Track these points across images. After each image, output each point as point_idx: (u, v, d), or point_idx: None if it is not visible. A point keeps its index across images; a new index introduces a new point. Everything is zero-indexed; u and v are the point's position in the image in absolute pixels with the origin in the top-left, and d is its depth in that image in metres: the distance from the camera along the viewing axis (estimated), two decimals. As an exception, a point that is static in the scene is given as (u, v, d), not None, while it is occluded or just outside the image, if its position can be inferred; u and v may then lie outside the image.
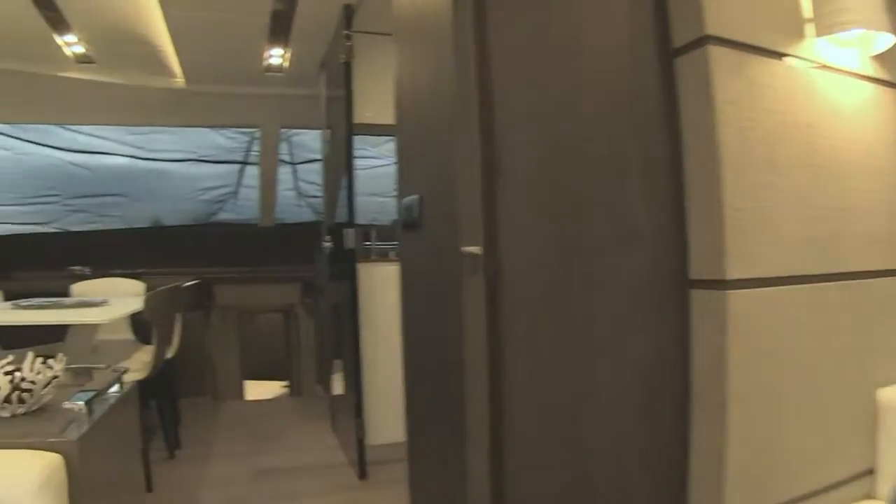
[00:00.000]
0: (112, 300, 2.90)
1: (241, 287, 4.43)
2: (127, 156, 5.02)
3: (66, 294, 3.36)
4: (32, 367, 1.42)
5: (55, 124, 4.69)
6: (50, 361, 1.45)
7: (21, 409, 1.38)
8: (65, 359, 1.50)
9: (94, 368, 1.76)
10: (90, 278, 3.80)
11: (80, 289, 3.43)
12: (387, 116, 1.91)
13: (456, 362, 1.28)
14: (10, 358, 1.42)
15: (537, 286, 1.24)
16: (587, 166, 1.28)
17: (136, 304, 2.62)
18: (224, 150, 5.37)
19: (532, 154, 1.25)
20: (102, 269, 3.95)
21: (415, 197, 1.52)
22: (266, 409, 4.13)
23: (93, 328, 2.96)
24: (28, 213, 4.79)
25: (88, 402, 1.39)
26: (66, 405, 1.37)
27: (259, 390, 5.03)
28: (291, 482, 2.69)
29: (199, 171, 5.47)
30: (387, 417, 2.70)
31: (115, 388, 1.61)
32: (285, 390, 5.09)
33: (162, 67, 3.64)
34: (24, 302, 2.83)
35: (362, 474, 2.70)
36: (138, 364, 2.64)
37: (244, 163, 5.44)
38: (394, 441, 2.27)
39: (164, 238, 4.80)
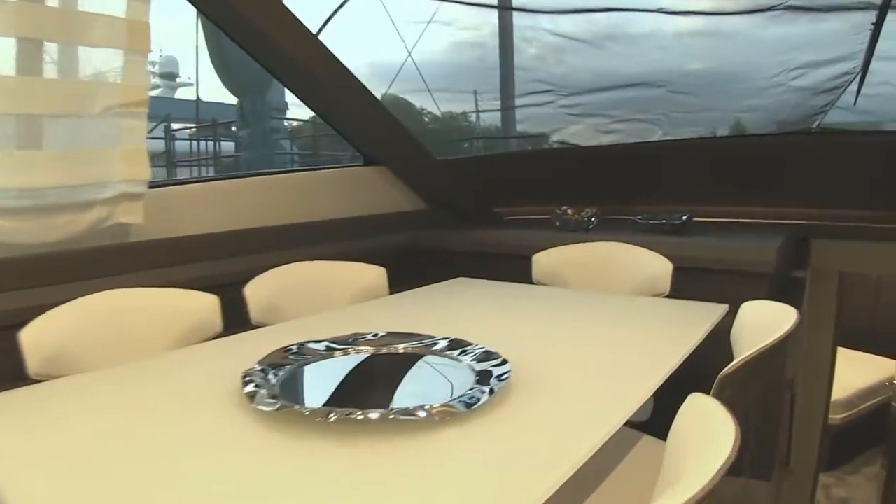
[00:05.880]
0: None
1: (856, 244, 2.62)
2: (650, 10, 3.03)
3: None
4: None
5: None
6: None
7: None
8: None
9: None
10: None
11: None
12: None
13: None
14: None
15: None
16: None
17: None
18: (832, -14, 2.78)
19: None
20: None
21: None
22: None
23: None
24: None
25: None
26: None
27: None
28: None
29: (783, 31, 3.09)
30: None
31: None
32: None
33: None
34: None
35: None
36: None
37: (879, 7, 2.56)
38: None
39: (718, 156, 2.96)
